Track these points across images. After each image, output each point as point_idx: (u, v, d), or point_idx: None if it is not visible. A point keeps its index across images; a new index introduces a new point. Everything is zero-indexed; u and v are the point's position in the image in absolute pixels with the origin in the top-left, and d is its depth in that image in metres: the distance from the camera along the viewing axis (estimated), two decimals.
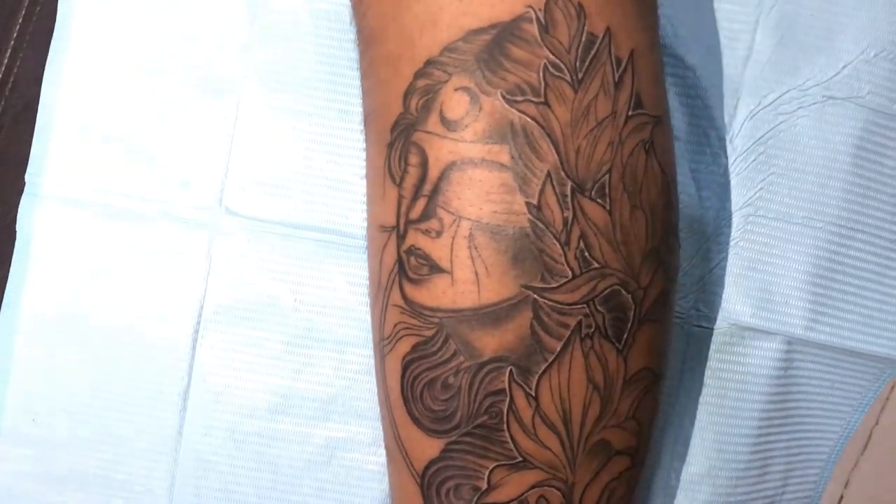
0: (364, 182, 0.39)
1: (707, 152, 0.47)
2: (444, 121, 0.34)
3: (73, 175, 0.46)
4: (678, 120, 0.47)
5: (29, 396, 0.47)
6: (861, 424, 0.50)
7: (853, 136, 0.47)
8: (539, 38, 0.33)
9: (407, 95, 0.35)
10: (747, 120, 0.47)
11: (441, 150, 0.34)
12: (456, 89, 0.34)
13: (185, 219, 0.47)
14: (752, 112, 0.47)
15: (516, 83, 0.33)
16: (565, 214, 0.33)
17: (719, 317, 0.47)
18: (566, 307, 0.34)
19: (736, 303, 0.47)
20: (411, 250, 0.35)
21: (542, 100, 0.33)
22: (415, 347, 0.35)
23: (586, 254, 0.34)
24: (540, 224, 0.33)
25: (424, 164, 0.34)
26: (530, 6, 0.33)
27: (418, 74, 0.34)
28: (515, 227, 0.33)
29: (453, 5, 0.34)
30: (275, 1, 0.46)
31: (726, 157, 0.47)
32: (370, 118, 0.38)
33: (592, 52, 0.34)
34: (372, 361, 0.40)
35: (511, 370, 0.34)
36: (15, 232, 0.46)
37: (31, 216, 0.46)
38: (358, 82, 0.39)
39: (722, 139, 0.47)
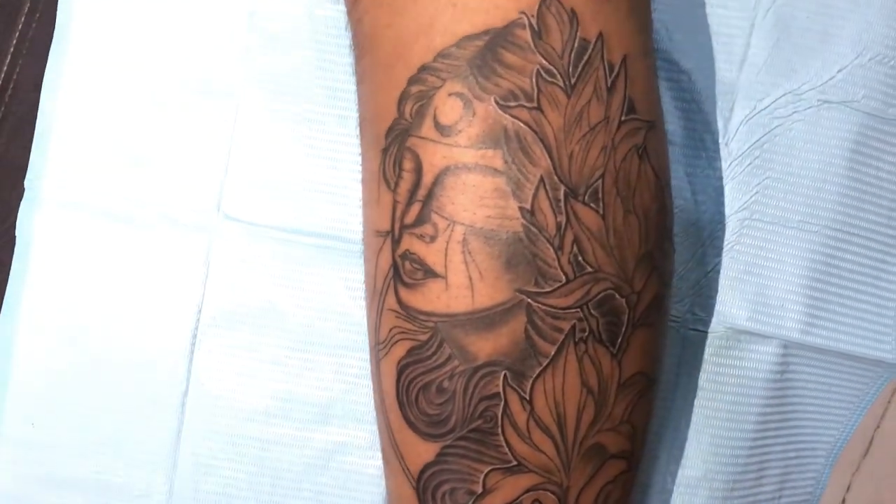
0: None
1: (702, 156, 0.47)
2: (438, 126, 0.34)
3: (73, 180, 0.47)
4: (673, 124, 0.47)
5: (28, 401, 0.47)
6: (862, 428, 0.49)
7: (848, 139, 0.47)
8: (532, 44, 0.33)
9: (401, 101, 0.35)
10: (742, 124, 0.47)
11: (435, 156, 0.34)
12: (450, 95, 0.34)
13: (183, 223, 0.47)
14: (747, 116, 0.47)
15: (509, 88, 0.33)
16: (559, 219, 0.33)
17: (715, 320, 0.47)
18: (560, 311, 0.34)
19: (732, 306, 0.47)
20: (406, 255, 0.35)
21: (535, 105, 0.33)
22: (410, 352, 0.35)
23: (580, 258, 0.34)
24: (533, 229, 0.33)
25: (419, 170, 0.34)
26: (523, 12, 0.33)
27: (412, 80, 0.34)
28: (509, 231, 0.33)
29: (447, 12, 0.34)
30: (274, 7, 0.46)
31: (722, 162, 0.47)
32: (365, 123, 0.38)
33: (585, 57, 0.34)
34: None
35: (505, 374, 0.34)
36: (14, 237, 0.47)
37: (30, 221, 0.47)
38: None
39: (717, 143, 0.47)
